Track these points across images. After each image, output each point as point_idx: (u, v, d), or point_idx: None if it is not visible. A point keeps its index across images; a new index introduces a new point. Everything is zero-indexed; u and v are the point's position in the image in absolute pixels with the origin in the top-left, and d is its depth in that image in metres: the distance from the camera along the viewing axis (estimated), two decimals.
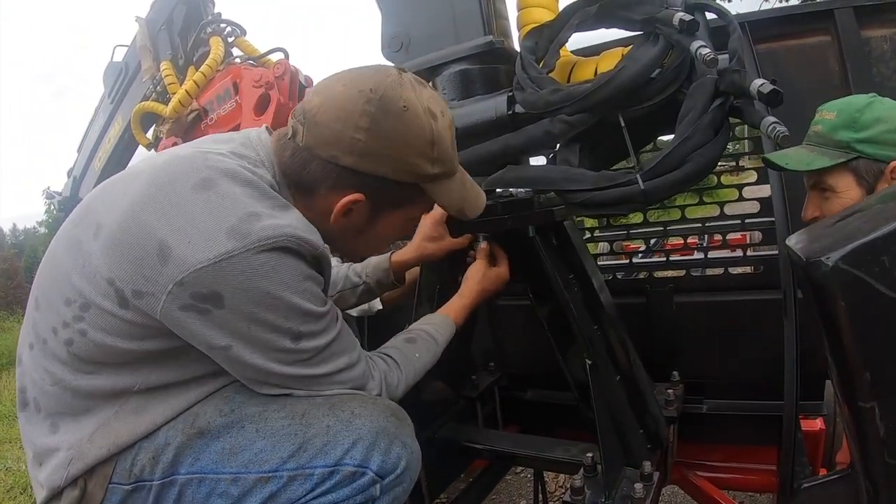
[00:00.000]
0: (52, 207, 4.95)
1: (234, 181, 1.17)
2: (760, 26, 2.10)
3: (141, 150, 3.76)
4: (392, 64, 1.89)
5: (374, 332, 2.51)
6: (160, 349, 1.18)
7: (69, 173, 4.33)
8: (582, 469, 1.62)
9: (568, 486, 1.57)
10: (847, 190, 1.58)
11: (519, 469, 3.66)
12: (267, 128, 1.36)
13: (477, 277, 1.74)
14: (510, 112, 1.63)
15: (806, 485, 1.06)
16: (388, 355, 1.44)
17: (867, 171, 1.56)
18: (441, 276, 1.92)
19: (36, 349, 1.23)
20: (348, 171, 1.21)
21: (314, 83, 3.04)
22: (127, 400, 1.20)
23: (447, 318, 1.64)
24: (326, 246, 1.26)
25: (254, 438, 1.19)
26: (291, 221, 1.16)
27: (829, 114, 1.61)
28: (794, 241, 0.86)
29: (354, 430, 1.19)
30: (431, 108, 1.23)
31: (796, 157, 1.62)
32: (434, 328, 1.58)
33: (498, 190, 1.70)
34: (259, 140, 1.30)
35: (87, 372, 1.19)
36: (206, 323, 1.12)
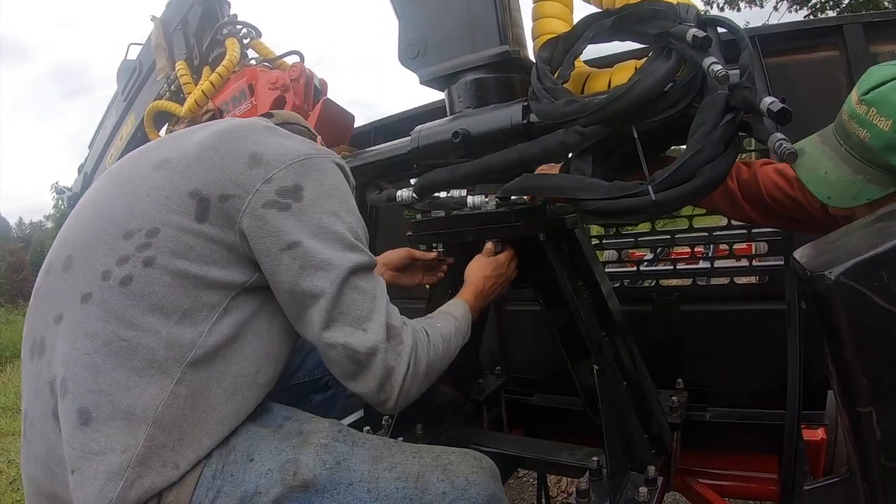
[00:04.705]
0: (61, 203, 4.96)
1: None
2: (771, 40, 2.13)
3: None
4: (410, 71, 1.94)
5: None
6: (226, 283, 1.19)
7: (80, 169, 4.36)
8: (587, 473, 1.64)
9: (569, 491, 1.60)
10: None
11: (521, 473, 3.68)
12: None
13: (475, 266, 1.78)
14: (525, 121, 1.66)
15: (806, 488, 1.10)
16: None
17: None
18: (454, 285, 1.95)
19: (70, 315, 1.15)
20: None
21: (328, 87, 3.07)
22: (183, 377, 1.12)
23: (455, 299, 1.67)
24: None
25: (366, 499, 1.18)
26: None
27: (882, 120, 1.23)
28: (800, 254, 0.89)
29: (469, 499, 1.23)
30: None
31: (838, 185, 1.32)
32: (445, 308, 1.61)
33: (513, 198, 1.73)
34: None
35: (139, 325, 1.11)
36: (284, 217, 1.20)
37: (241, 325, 1.20)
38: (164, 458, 1.10)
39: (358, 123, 2.64)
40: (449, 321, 1.51)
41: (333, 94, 2.84)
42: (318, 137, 1.77)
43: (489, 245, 1.80)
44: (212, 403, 1.15)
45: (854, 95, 1.31)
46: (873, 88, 1.26)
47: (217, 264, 1.17)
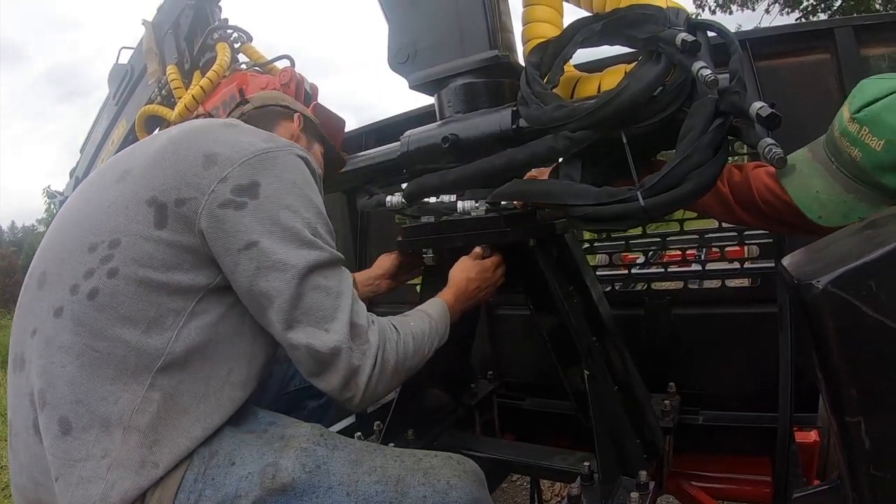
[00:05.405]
0: (53, 207, 4.95)
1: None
2: (761, 44, 2.13)
3: None
4: (400, 75, 1.94)
5: None
6: (189, 287, 1.19)
7: (71, 173, 4.35)
8: (579, 478, 1.63)
9: (564, 494, 1.59)
10: None
11: (515, 477, 3.68)
12: None
13: (459, 267, 1.75)
14: (514, 126, 1.65)
15: (796, 495, 1.09)
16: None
17: None
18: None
19: (43, 330, 1.17)
20: None
21: (318, 91, 3.06)
22: (154, 382, 1.14)
23: (435, 299, 1.64)
24: None
25: (345, 503, 1.17)
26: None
27: (874, 140, 1.22)
28: (789, 261, 0.89)
29: (451, 503, 1.22)
30: None
31: (829, 203, 1.32)
32: (423, 306, 1.58)
33: (503, 203, 1.72)
34: None
35: (109, 336, 1.13)
36: (241, 216, 1.19)
37: (208, 328, 1.20)
38: (143, 459, 1.11)
39: (356, 125, 2.64)
40: (423, 319, 1.49)
41: (332, 95, 2.83)
42: (297, 115, 1.77)
43: (477, 249, 1.79)
44: (184, 406, 1.17)
45: (846, 112, 1.30)
46: (865, 106, 1.25)
47: (180, 269, 1.18)
